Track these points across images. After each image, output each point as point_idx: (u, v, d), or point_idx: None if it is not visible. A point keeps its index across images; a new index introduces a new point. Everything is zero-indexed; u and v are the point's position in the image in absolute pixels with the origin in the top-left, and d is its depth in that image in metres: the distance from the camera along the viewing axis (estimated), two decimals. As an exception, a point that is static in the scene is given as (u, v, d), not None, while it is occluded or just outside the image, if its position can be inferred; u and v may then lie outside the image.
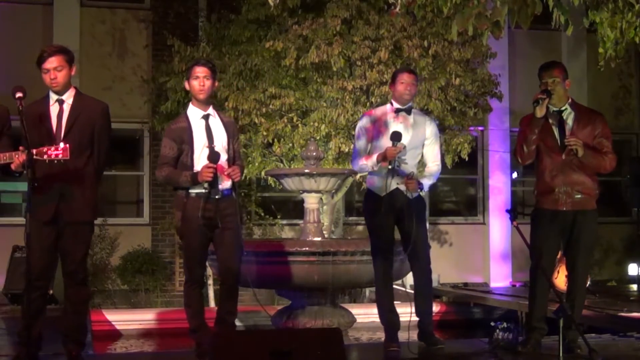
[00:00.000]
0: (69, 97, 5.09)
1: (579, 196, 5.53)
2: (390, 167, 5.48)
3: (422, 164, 5.96)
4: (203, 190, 5.13)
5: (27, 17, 12.03)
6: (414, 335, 5.80)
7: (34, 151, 4.63)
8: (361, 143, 5.73)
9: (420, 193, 5.71)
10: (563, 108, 5.58)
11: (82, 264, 5.14)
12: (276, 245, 7.38)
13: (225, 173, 5.17)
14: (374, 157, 5.57)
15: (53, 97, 5.10)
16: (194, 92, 5.25)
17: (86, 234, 5.14)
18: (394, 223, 5.69)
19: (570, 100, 5.64)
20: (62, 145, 4.64)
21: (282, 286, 7.32)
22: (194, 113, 5.27)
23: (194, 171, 5.13)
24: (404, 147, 5.53)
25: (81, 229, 5.07)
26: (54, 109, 5.07)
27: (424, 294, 5.75)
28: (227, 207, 5.21)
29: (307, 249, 6.94)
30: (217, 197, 5.15)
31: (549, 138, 5.55)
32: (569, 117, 5.58)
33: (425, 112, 9.89)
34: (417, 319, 5.75)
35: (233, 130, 5.38)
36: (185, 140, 5.17)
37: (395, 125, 5.64)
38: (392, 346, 5.60)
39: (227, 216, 5.21)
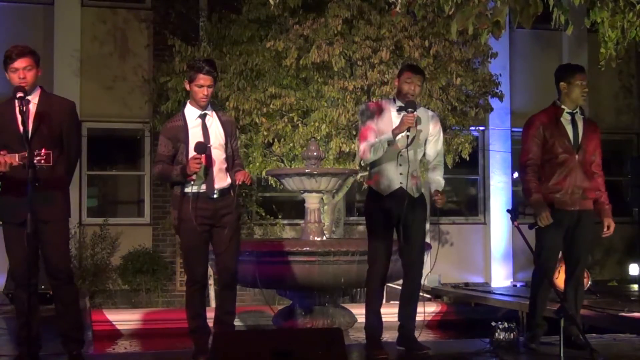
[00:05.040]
0: (34, 97, 5.02)
1: (584, 196, 5.62)
2: (407, 134, 5.21)
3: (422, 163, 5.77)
4: (197, 190, 5.10)
5: (28, 17, 12.04)
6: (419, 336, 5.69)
7: (17, 156, 4.65)
8: (368, 127, 5.38)
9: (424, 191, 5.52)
10: (575, 110, 5.67)
11: (64, 262, 5.09)
12: (277, 245, 7.37)
13: (238, 182, 5.14)
14: (386, 134, 5.27)
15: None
16: (195, 98, 5.22)
17: (62, 233, 5.11)
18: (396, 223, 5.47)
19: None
20: (43, 151, 4.62)
21: (283, 286, 7.31)
22: (191, 112, 5.24)
23: (183, 165, 5.09)
24: (419, 119, 5.31)
25: (56, 228, 5.03)
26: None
27: (413, 298, 5.51)
28: (225, 207, 5.19)
29: (308, 249, 6.93)
30: (214, 196, 5.13)
31: (564, 139, 5.59)
32: (579, 120, 5.68)
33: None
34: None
35: (231, 129, 5.35)
36: (181, 139, 5.15)
37: (398, 121, 5.35)
38: (382, 353, 5.33)
39: (225, 215, 5.18)
